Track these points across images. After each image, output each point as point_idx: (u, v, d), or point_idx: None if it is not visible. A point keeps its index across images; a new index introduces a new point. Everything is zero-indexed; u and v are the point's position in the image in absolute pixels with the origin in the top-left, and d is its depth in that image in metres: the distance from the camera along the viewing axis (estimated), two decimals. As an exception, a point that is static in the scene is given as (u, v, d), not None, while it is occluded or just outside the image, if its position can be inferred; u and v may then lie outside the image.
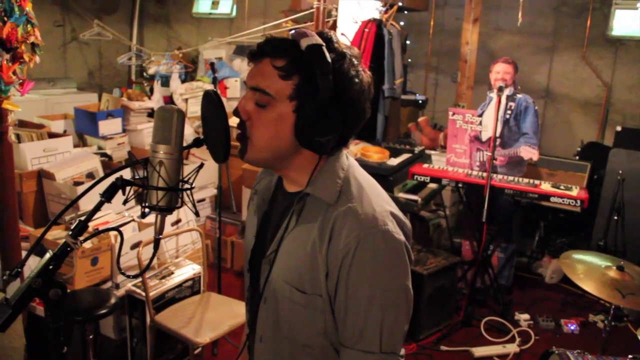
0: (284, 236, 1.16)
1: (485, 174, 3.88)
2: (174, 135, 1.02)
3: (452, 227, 5.07)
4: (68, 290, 1.19)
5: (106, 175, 1.07)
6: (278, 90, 1.08)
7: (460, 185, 4.06)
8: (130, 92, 5.57)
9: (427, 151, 4.98)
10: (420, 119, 5.82)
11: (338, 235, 1.07)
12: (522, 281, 4.71)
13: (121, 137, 4.78)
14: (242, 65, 6.67)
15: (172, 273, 3.05)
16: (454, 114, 4.16)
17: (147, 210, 1.02)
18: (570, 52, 5.81)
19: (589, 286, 2.59)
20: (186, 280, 3.05)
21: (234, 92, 6.15)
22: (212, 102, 1.08)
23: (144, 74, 7.27)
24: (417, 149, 4.62)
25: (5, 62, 2.13)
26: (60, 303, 1.00)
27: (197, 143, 1.12)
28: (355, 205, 1.10)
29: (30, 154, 3.33)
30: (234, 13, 7.56)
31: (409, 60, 6.30)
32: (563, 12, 5.84)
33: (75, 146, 4.08)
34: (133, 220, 3.22)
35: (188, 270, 3.12)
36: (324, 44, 1.08)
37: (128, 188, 1.00)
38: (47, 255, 0.99)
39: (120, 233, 1.09)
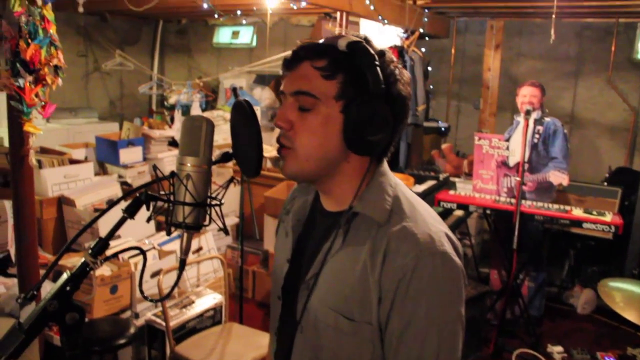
0: (326, 259, 1.07)
1: (513, 200, 3.75)
2: (203, 147, 0.95)
3: (478, 256, 4.92)
4: (86, 319, 1.11)
5: (127, 194, 0.99)
6: (323, 91, 1.01)
7: (488, 211, 3.93)
8: (151, 121, 5.58)
9: (451, 178, 4.87)
10: (443, 146, 5.73)
11: (393, 257, 0.99)
12: (553, 312, 4.53)
13: (142, 166, 4.75)
14: (262, 94, 6.69)
15: (193, 302, 2.96)
16: (480, 138, 4.06)
17: (172, 228, 0.94)
18: (594, 76, 5.72)
19: (631, 315, 2.45)
20: (207, 310, 2.96)
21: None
22: (243, 113, 1.01)
23: (165, 103, 7.31)
24: (441, 176, 4.52)
25: (28, 84, 2.09)
26: (78, 328, 0.91)
27: (226, 157, 1.05)
28: (410, 225, 1.02)
29: (51, 180, 3.29)
30: (254, 43, 7.60)
31: (431, 87, 6.24)
32: (586, 37, 5.77)
33: (96, 174, 4.05)
34: (154, 247, 3.15)
35: (209, 299, 3.03)
36: (363, 41, 1.03)
37: (152, 204, 0.93)
38: (64, 276, 0.91)
39: (144, 253, 1.01)
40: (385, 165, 1.13)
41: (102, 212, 1.00)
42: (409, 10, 4.76)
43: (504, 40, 6.13)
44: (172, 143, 5.19)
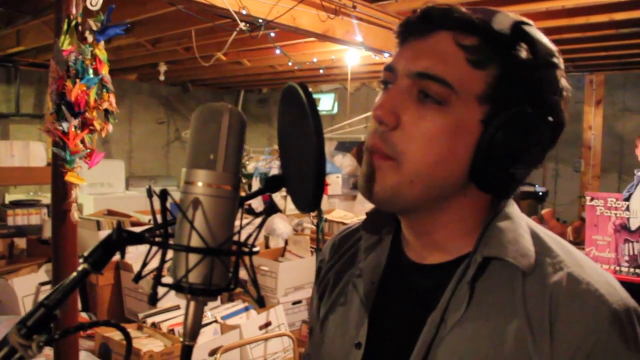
0: (438, 336, 0.67)
1: (639, 270, 3.13)
2: (224, 155, 0.55)
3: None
4: None
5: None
6: (465, 83, 0.65)
7: (607, 285, 3.30)
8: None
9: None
10: (544, 212, 5.15)
11: (567, 322, 0.63)
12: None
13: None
14: (343, 161, 6.48)
15: (257, 387, 2.53)
16: (592, 198, 3.50)
17: (164, 288, 0.54)
18: None
19: None
20: (273, 397, 2.51)
21: (335, 189, 5.88)
22: (296, 106, 0.60)
23: (243, 171, 7.20)
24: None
25: (72, 129, 1.85)
26: None
27: (272, 183, 0.64)
28: (576, 272, 0.66)
29: (110, 243, 3.05)
30: (336, 110, 7.44)
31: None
32: None
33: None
34: (215, 321, 2.78)
35: (276, 384, 2.59)
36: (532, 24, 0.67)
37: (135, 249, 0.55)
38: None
39: (125, 332, 0.61)
40: (511, 201, 0.74)
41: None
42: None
43: (605, 95, 5.57)
44: (250, 211, 4.92)
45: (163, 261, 0.55)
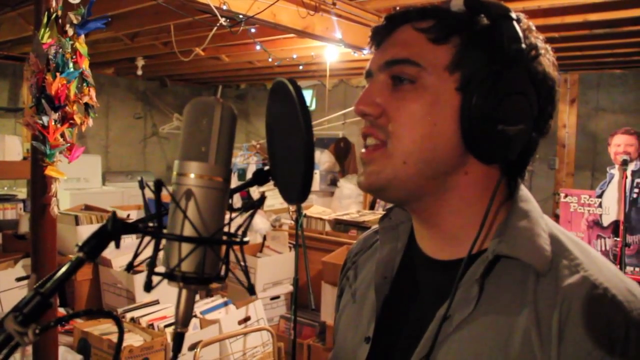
0: (442, 330, 0.68)
1: (611, 267, 3.21)
2: (215, 147, 0.57)
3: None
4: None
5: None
6: (430, 58, 0.69)
7: (579, 280, 3.38)
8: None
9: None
10: (518, 207, 5.23)
11: (578, 327, 0.61)
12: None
13: (192, 227, 4.48)
14: (321, 157, 6.51)
15: (237, 381, 2.55)
16: (566, 195, 3.58)
17: (157, 277, 0.56)
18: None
19: None
20: (253, 391, 2.53)
21: (313, 185, 5.88)
22: (285, 101, 0.61)
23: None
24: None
25: (52, 123, 1.84)
26: None
27: (260, 176, 0.67)
28: (593, 275, 0.64)
29: (88, 239, 3.02)
30: (313, 106, 7.45)
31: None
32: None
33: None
34: (195, 316, 2.78)
35: (256, 377, 2.60)
36: None
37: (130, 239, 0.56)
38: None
39: (118, 321, 0.63)
40: (524, 188, 0.74)
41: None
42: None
43: (579, 94, 5.68)
44: (229, 207, 4.91)
45: (157, 250, 0.56)
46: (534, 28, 0.72)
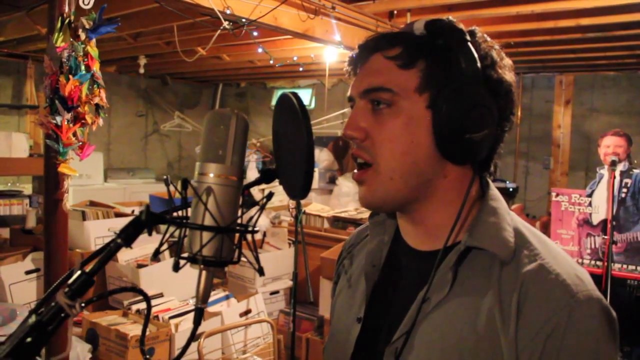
0: (422, 310, 0.79)
1: (599, 263, 3.32)
2: (231, 151, 0.69)
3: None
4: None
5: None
6: (401, 84, 0.79)
7: (569, 276, 3.47)
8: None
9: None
10: (514, 207, 5.33)
11: (534, 307, 0.73)
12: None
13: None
14: (320, 156, 6.58)
15: (238, 371, 2.65)
16: (557, 194, 3.68)
17: (183, 261, 0.66)
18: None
19: None
20: (253, 380, 2.63)
21: (312, 183, 5.98)
22: (289, 111, 0.74)
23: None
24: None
25: (65, 122, 1.94)
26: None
27: (267, 176, 0.79)
28: (548, 263, 0.76)
29: (95, 233, 3.13)
30: (313, 105, 7.53)
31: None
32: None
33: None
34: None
35: (256, 368, 2.71)
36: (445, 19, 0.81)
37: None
38: (30, 321, 0.64)
39: (147, 299, 0.74)
40: (494, 188, 0.86)
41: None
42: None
43: (574, 96, 5.78)
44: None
45: (182, 237, 0.67)
46: (488, 38, 0.82)
